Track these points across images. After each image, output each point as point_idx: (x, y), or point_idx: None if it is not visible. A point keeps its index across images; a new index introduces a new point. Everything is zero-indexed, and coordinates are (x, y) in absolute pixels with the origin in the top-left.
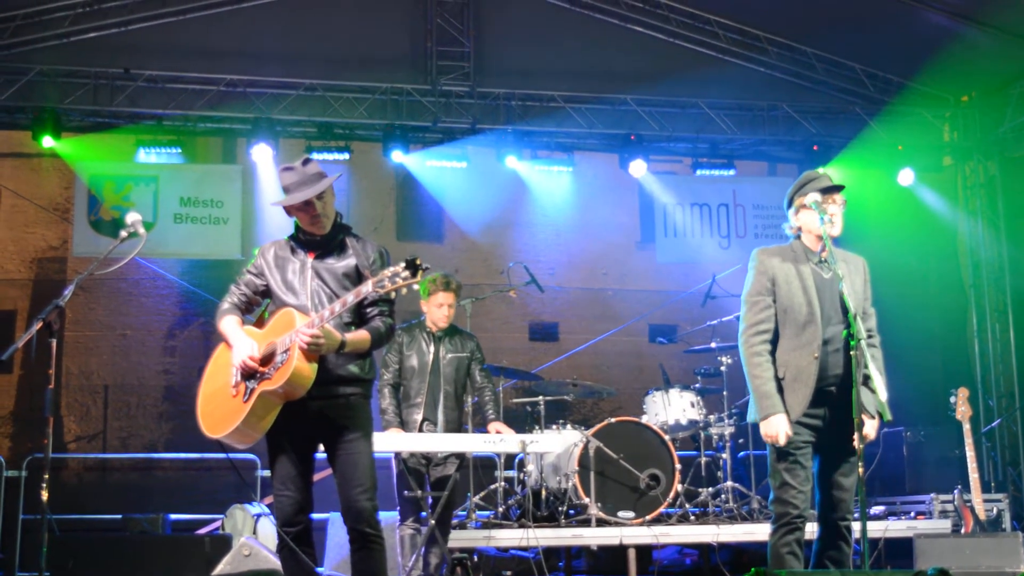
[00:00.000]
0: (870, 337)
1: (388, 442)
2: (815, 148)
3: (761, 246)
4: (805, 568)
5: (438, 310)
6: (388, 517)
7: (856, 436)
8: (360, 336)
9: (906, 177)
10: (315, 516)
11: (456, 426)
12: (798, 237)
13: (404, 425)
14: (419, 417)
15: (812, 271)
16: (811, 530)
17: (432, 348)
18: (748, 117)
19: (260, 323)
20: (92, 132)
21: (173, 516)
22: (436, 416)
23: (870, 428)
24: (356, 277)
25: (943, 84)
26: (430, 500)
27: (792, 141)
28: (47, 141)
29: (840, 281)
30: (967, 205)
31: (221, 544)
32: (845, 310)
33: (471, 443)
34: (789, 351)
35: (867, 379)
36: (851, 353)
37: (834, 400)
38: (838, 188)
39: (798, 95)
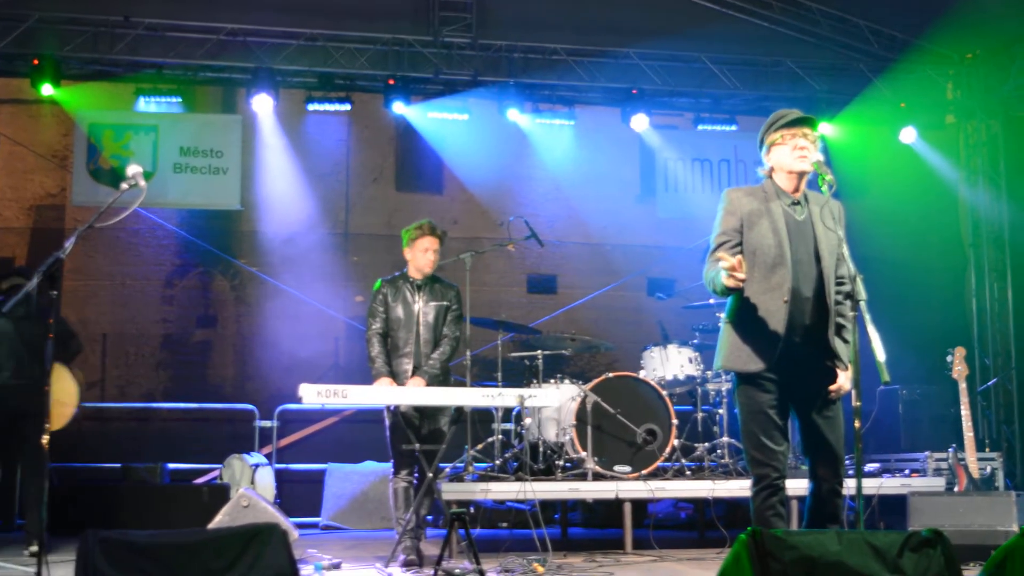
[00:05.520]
0: (841, 284)
1: (385, 396)
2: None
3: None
4: (788, 526)
5: (423, 255)
6: (384, 468)
7: (853, 393)
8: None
9: (908, 135)
10: (313, 467)
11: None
12: (770, 178)
13: (393, 376)
14: (409, 367)
15: (784, 211)
16: (803, 487)
17: (416, 297)
18: (751, 72)
19: None
20: (91, 80)
21: (171, 465)
22: (423, 365)
23: (844, 379)
24: None
25: (948, 42)
26: (417, 452)
27: (795, 97)
28: (46, 89)
29: (815, 225)
30: (968, 164)
31: (219, 494)
32: (818, 256)
33: (469, 397)
34: (758, 294)
35: (840, 329)
36: (851, 313)
37: (801, 353)
38: (807, 121)
39: (802, 51)
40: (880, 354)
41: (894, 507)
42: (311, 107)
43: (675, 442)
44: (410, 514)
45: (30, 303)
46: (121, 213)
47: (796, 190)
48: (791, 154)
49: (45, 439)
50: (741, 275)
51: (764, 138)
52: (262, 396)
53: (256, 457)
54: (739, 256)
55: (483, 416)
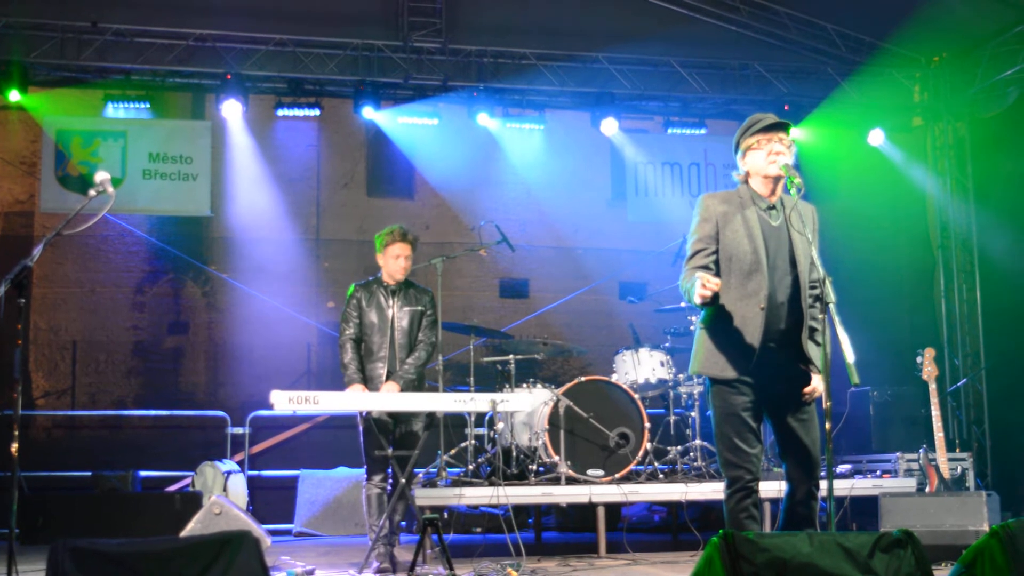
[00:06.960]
0: (812, 287)
1: (357, 402)
2: (786, 108)
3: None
4: (762, 529)
5: (394, 261)
6: (357, 474)
7: (824, 395)
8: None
9: (876, 137)
10: (286, 473)
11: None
12: (746, 183)
13: (368, 381)
14: (383, 372)
15: (759, 216)
16: (777, 489)
17: (391, 302)
18: (720, 76)
19: None
20: (59, 86)
21: (143, 473)
22: (397, 370)
23: (817, 382)
24: None
25: (915, 45)
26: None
27: (764, 100)
28: (13, 95)
29: (791, 230)
30: (936, 166)
31: (191, 501)
32: (794, 261)
33: (441, 402)
34: (735, 301)
35: (812, 332)
36: (820, 316)
37: (776, 358)
38: (782, 126)
39: (770, 54)
40: (850, 356)
41: (866, 508)
42: (281, 112)
43: (648, 445)
44: (383, 520)
45: None
46: (90, 220)
47: (772, 194)
48: (767, 159)
49: (15, 447)
50: (713, 293)
51: (740, 142)
52: (234, 403)
53: (228, 464)
54: (718, 281)
55: (456, 421)
